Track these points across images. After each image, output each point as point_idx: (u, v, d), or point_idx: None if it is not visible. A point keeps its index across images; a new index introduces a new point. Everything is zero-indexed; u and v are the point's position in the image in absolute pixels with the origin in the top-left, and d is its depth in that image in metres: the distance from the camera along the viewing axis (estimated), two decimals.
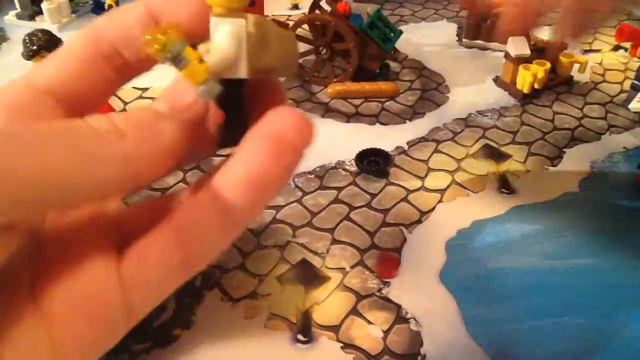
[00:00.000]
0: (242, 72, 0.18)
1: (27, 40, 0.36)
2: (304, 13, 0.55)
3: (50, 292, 0.16)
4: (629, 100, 0.45)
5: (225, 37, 0.18)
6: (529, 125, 0.43)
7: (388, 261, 0.30)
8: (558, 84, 0.48)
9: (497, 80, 0.49)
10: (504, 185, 0.36)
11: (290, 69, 0.20)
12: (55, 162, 0.16)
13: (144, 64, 0.23)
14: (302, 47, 0.48)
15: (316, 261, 0.30)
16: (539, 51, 0.47)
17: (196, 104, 0.19)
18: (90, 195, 0.16)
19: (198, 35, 0.19)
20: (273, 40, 0.18)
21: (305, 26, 0.47)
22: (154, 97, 0.45)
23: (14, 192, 0.15)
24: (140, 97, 0.46)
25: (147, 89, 0.46)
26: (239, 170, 0.16)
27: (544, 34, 0.47)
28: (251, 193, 0.16)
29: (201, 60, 0.17)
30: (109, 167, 0.17)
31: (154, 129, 0.18)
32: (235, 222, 0.17)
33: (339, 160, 0.38)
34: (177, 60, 0.17)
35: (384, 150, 0.38)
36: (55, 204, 0.16)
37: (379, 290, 0.29)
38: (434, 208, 0.34)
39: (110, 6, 0.58)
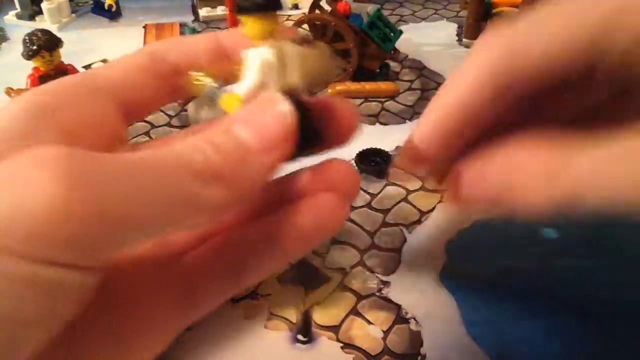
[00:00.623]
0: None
1: (27, 40, 0.36)
2: (304, 13, 0.55)
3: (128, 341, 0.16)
4: None
5: (250, 67, 0.20)
6: None
7: None
8: None
9: None
10: None
11: (321, 82, 0.21)
12: (146, 203, 0.16)
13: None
14: None
15: (316, 261, 0.30)
16: None
17: (287, 141, 0.20)
18: (166, 233, 0.16)
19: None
20: (294, 61, 0.20)
21: (306, 26, 0.47)
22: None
23: (101, 232, 0.15)
24: None
25: None
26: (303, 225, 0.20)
27: None
28: (310, 245, 0.20)
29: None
30: (198, 212, 0.17)
31: (246, 170, 0.19)
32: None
33: None
34: (212, 96, 0.20)
35: (384, 150, 0.38)
36: (131, 243, 0.16)
37: (379, 290, 0.29)
38: (434, 208, 0.34)
39: (110, 6, 0.58)
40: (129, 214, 0.15)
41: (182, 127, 0.40)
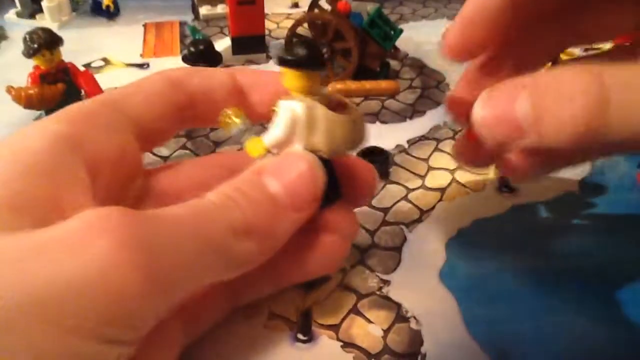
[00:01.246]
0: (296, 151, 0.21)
1: (28, 39, 0.36)
2: (304, 12, 0.55)
3: None
4: None
5: (280, 118, 0.20)
6: None
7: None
8: None
9: None
10: (504, 184, 0.36)
11: (348, 149, 0.22)
12: (193, 266, 0.16)
13: (206, 122, 0.25)
14: None
15: None
16: None
17: (316, 201, 0.20)
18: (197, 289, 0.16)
19: (267, 116, 0.21)
20: (322, 125, 0.20)
21: (306, 25, 0.47)
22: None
23: (156, 305, 0.15)
24: None
25: None
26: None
27: None
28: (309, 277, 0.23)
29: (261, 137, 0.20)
30: (233, 268, 0.18)
31: (278, 227, 0.19)
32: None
33: None
34: (242, 136, 0.21)
35: (384, 149, 0.38)
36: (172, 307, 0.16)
37: (379, 289, 0.29)
38: (434, 207, 0.34)
39: (107, 7, 0.58)
40: (180, 280, 0.15)
41: (186, 136, 0.40)
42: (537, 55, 0.22)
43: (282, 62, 0.20)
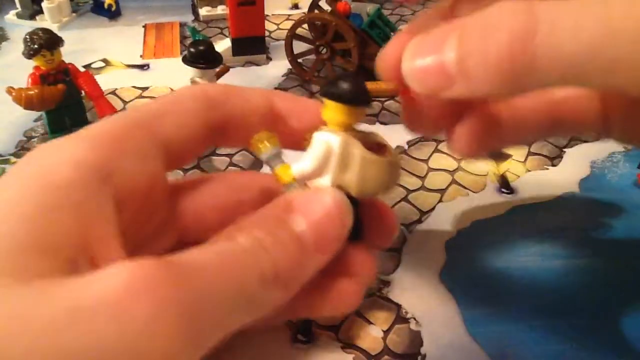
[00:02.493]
0: (324, 184, 0.20)
1: (29, 39, 0.36)
2: (304, 12, 0.55)
3: None
4: None
5: (314, 150, 0.20)
6: None
7: None
8: None
9: None
10: (504, 185, 0.36)
11: (379, 191, 0.20)
12: (224, 319, 0.15)
13: (236, 144, 0.24)
14: (303, 47, 0.48)
15: None
16: None
17: (341, 242, 0.19)
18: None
19: (301, 145, 0.20)
20: (357, 164, 0.19)
21: (305, 25, 0.47)
22: (153, 96, 0.45)
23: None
24: (140, 96, 0.46)
25: (146, 88, 0.46)
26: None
27: None
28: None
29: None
30: (258, 313, 0.17)
31: (303, 272, 0.18)
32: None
33: None
34: (272, 161, 0.20)
35: None
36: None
37: (379, 290, 0.29)
38: (434, 208, 0.35)
39: (109, 6, 0.58)
40: (214, 335, 0.15)
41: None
42: None
43: (327, 94, 0.19)
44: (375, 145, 0.21)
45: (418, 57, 0.17)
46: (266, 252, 0.17)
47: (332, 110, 0.20)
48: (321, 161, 0.19)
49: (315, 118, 0.21)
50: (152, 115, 0.19)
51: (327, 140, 0.19)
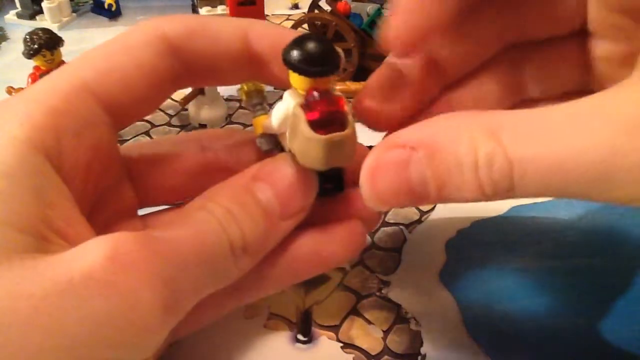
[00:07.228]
0: (284, 145, 0.20)
1: (29, 39, 0.36)
2: (304, 12, 0.55)
3: None
4: None
5: (278, 110, 0.19)
6: None
7: None
8: None
9: None
10: None
11: (315, 167, 0.19)
12: (200, 289, 0.16)
13: (203, 85, 0.23)
14: None
15: None
16: None
17: (307, 209, 0.19)
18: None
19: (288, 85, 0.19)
20: (300, 136, 0.18)
21: (306, 26, 0.47)
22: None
23: (171, 332, 0.15)
24: None
25: None
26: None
27: None
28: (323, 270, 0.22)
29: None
30: (228, 281, 0.18)
31: (269, 240, 0.19)
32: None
33: None
34: (254, 109, 0.21)
35: None
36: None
37: (379, 290, 0.29)
38: (433, 208, 0.34)
39: (110, 5, 0.58)
40: (189, 302, 0.16)
41: (181, 126, 0.40)
42: (473, 53, 0.21)
43: (284, 62, 0.17)
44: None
45: (380, 183, 0.16)
46: (236, 223, 0.17)
47: (291, 76, 0.18)
48: (282, 122, 0.19)
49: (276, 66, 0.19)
50: (97, 74, 0.17)
51: (286, 104, 0.19)
